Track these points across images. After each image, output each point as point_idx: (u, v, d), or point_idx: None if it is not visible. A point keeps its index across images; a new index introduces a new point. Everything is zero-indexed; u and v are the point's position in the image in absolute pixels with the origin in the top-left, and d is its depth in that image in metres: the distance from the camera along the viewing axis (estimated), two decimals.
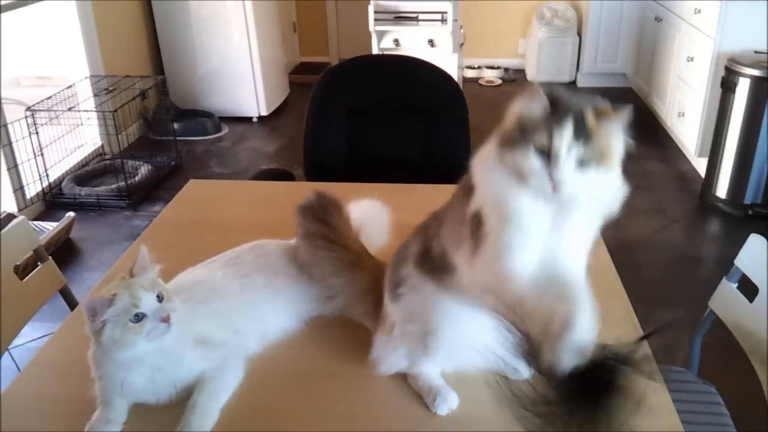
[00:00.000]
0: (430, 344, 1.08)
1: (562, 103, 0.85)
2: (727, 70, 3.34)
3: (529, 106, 0.86)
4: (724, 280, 1.53)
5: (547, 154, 0.83)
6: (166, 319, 1.03)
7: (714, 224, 3.44)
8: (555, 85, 0.89)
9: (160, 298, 1.05)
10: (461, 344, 1.08)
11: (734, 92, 3.29)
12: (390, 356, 1.14)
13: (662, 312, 2.69)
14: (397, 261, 1.14)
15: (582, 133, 0.83)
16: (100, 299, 1.03)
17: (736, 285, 1.51)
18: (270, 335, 1.25)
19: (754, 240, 1.46)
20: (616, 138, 0.86)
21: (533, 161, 0.84)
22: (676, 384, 1.51)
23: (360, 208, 1.53)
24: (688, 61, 4.04)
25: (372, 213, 1.51)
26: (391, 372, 1.15)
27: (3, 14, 3.43)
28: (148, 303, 1.03)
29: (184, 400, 1.09)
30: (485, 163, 0.92)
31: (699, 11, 3.85)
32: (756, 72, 3.20)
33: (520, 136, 0.85)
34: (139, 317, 1.02)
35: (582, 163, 0.84)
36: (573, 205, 0.88)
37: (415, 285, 1.08)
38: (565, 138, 0.83)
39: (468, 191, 0.98)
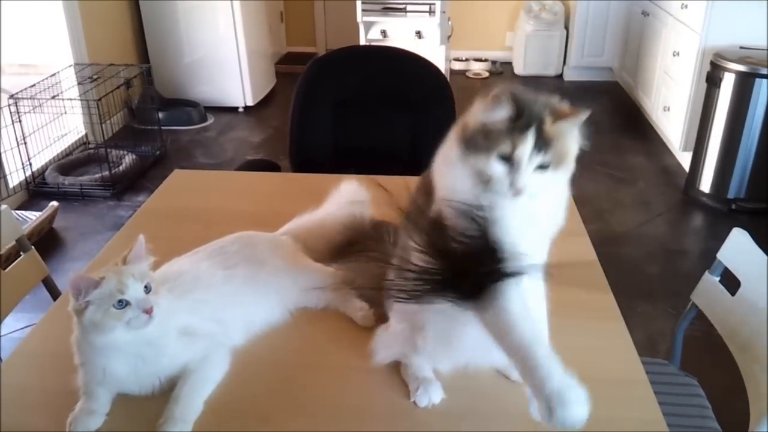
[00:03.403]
0: (420, 342, 1.09)
1: (525, 111, 0.87)
2: (713, 65, 3.36)
3: (494, 112, 0.87)
4: (706, 273, 1.55)
5: (509, 161, 0.85)
6: (148, 311, 1.03)
7: (697, 218, 3.47)
8: (517, 88, 0.89)
9: (147, 290, 1.05)
10: (450, 343, 1.08)
11: (719, 87, 3.31)
12: (385, 348, 1.15)
13: (645, 304, 2.71)
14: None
15: (542, 141, 0.86)
16: (86, 278, 1.02)
17: (719, 279, 1.52)
18: (255, 327, 1.24)
19: (737, 234, 1.48)
20: (571, 139, 0.89)
21: (496, 167, 0.86)
22: (658, 376, 1.52)
23: (341, 196, 1.54)
24: (674, 55, 4.06)
25: (353, 200, 1.52)
26: (386, 362, 1.15)
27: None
28: (134, 292, 1.03)
29: (167, 391, 1.08)
30: (447, 164, 0.93)
31: (686, 6, 3.87)
32: (741, 67, 3.22)
33: (483, 141, 0.87)
34: (122, 303, 1.02)
35: (541, 167, 0.87)
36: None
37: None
38: (527, 148, 0.85)
39: (427, 190, 1.01)
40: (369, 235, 1.42)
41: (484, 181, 0.86)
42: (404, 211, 1.03)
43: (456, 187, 0.91)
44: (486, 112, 0.88)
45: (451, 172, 0.91)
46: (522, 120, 0.86)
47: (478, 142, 0.87)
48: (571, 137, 0.89)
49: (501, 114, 0.87)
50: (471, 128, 0.89)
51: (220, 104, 4.91)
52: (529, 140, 0.85)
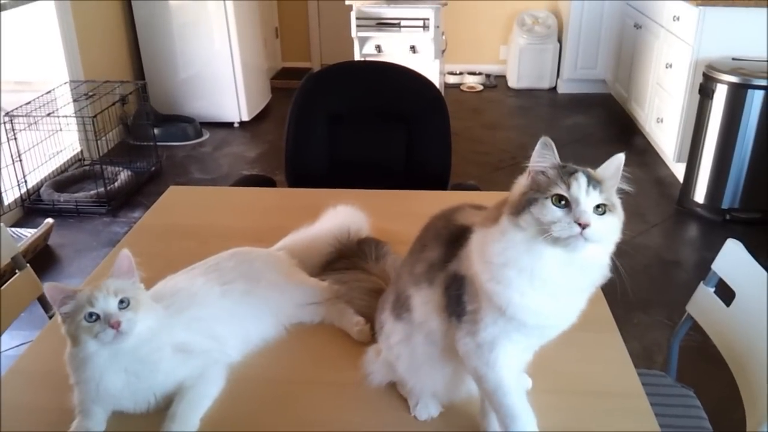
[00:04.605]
0: (408, 383, 1.10)
1: (567, 164, 0.90)
2: (705, 76, 3.38)
3: (543, 154, 0.89)
4: (701, 284, 1.55)
5: (566, 204, 0.86)
6: (114, 326, 1.02)
7: (692, 229, 3.48)
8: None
9: (123, 304, 1.04)
10: (437, 384, 1.09)
11: (712, 98, 3.33)
12: (378, 371, 1.15)
13: (641, 315, 2.71)
14: (380, 304, 1.17)
15: (593, 180, 0.88)
16: (59, 289, 1.03)
17: (714, 289, 1.52)
18: (251, 343, 1.24)
19: (731, 245, 1.48)
20: (614, 185, 0.91)
21: (554, 210, 0.86)
22: (654, 388, 1.52)
23: (337, 214, 1.54)
24: (666, 67, 4.09)
25: (350, 219, 1.52)
26: (381, 384, 1.15)
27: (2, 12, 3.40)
28: (103, 305, 1.02)
29: (163, 408, 1.08)
30: (495, 235, 0.91)
31: (677, 18, 3.90)
32: (733, 79, 3.25)
33: (536, 193, 0.88)
34: (93, 317, 1.02)
35: (599, 210, 0.87)
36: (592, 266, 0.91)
37: (389, 332, 1.10)
38: (582, 184, 0.86)
39: (435, 238, 1.02)
40: (354, 250, 1.43)
41: (545, 227, 0.86)
42: None
43: (508, 258, 0.89)
44: (535, 156, 0.89)
45: (502, 244, 0.90)
46: (569, 167, 0.89)
47: (531, 197, 0.88)
48: (613, 184, 0.91)
49: (548, 158, 0.89)
50: (519, 194, 0.90)
51: (216, 120, 4.92)
52: (581, 177, 0.87)
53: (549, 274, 0.88)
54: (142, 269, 1.11)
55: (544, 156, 0.89)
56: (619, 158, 0.91)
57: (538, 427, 0.96)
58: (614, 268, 0.94)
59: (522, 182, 0.91)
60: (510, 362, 0.96)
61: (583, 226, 0.85)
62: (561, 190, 0.86)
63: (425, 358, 1.05)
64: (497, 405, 0.97)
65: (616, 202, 0.91)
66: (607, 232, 0.88)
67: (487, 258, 0.90)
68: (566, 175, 0.87)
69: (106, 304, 1.03)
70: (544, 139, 0.89)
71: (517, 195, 0.90)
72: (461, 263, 0.96)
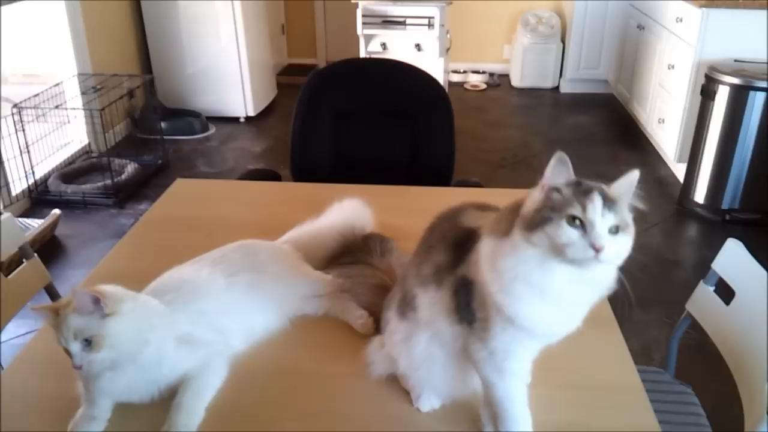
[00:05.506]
0: (410, 380, 1.12)
1: (582, 180, 0.89)
2: (707, 78, 3.39)
3: (557, 171, 0.88)
4: (701, 283, 1.56)
5: (581, 225, 0.85)
6: (76, 367, 1.01)
7: (692, 229, 3.50)
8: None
9: (87, 343, 1.02)
10: (438, 382, 1.10)
11: (714, 100, 3.34)
12: (380, 362, 1.16)
13: (640, 314, 2.73)
14: (386, 303, 1.18)
15: (609, 201, 0.87)
16: (40, 312, 1.04)
17: (713, 288, 1.53)
18: (255, 334, 1.25)
19: (731, 244, 1.49)
20: (626, 203, 0.90)
21: (569, 232, 0.85)
22: (653, 384, 1.54)
23: (343, 208, 1.55)
24: (669, 68, 4.10)
25: (355, 213, 1.54)
26: (383, 376, 1.16)
27: (3, 7, 3.41)
28: (65, 344, 1.02)
29: (168, 399, 1.09)
30: (506, 255, 0.90)
31: (680, 20, 3.90)
32: (735, 80, 3.26)
33: (551, 213, 0.86)
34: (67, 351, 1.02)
35: (611, 230, 0.87)
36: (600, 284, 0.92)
37: (392, 330, 1.11)
38: (597, 206, 0.85)
39: (440, 241, 1.03)
40: (359, 245, 1.45)
41: (558, 249, 0.86)
42: None
43: (519, 273, 0.89)
44: (550, 172, 0.88)
45: (514, 259, 0.89)
46: (584, 185, 0.88)
47: (545, 215, 0.86)
48: (626, 201, 0.90)
49: (563, 174, 0.87)
50: (533, 210, 0.88)
51: (222, 114, 4.94)
52: (597, 198, 0.85)
53: (559, 290, 0.89)
54: (148, 261, 1.11)
55: (559, 172, 0.88)
56: (634, 175, 0.90)
57: (533, 427, 1.00)
58: (619, 278, 0.94)
59: (535, 196, 0.89)
60: (520, 369, 0.98)
61: (598, 250, 0.85)
62: (576, 211, 0.85)
63: (426, 357, 1.06)
64: (500, 408, 1.00)
65: (629, 219, 0.90)
66: (620, 251, 0.88)
67: (497, 270, 0.91)
68: (581, 194, 0.86)
69: (68, 344, 1.01)
70: (560, 155, 0.87)
71: (531, 210, 0.88)
72: (470, 268, 0.96)
